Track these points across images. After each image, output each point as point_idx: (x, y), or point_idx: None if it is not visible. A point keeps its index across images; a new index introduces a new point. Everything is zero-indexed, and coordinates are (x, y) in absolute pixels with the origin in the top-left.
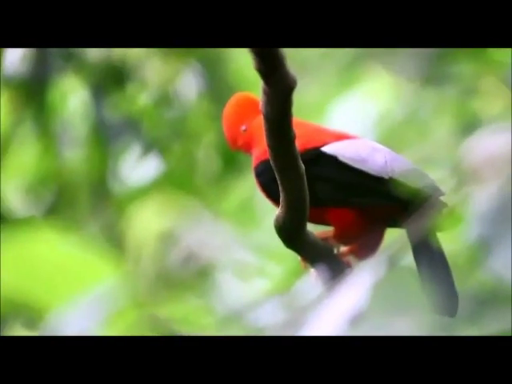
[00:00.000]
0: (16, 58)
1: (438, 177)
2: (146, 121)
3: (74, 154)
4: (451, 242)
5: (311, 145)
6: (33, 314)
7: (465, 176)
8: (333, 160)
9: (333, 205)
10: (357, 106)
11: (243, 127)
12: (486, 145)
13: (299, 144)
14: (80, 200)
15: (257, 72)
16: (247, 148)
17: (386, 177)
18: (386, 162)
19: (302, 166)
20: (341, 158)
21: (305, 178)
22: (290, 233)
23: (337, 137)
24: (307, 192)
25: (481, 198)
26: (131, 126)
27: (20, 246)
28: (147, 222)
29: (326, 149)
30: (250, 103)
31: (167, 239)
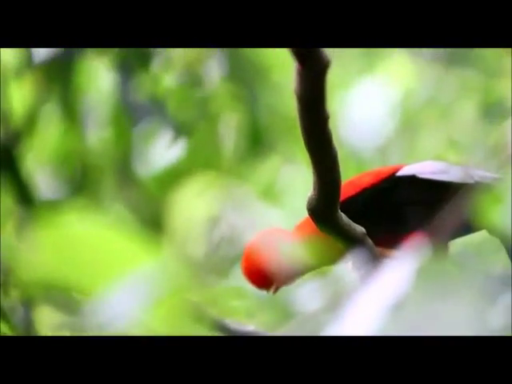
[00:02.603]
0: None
1: (470, 159)
2: (171, 102)
3: (99, 135)
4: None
5: (384, 174)
6: (69, 299)
7: (503, 158)
8: (412, 180)
9: (416, 228)
10: (379, 88)
11: (282, 248)
12: None
13: (372, 177)
14: (105, 181)
15: (291, 52)
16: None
17: (472, 181)
18: (465, 169)
19: (336, 148)
20: (420, 176)
21: (338, 161)
22: (323, 215)
23: (397, 166)
24: (340, 174)
25: None
26: (156, 107)
27: (50, 229)
28: (189, 204)
29: (401, 172)
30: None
31: (210, 222)
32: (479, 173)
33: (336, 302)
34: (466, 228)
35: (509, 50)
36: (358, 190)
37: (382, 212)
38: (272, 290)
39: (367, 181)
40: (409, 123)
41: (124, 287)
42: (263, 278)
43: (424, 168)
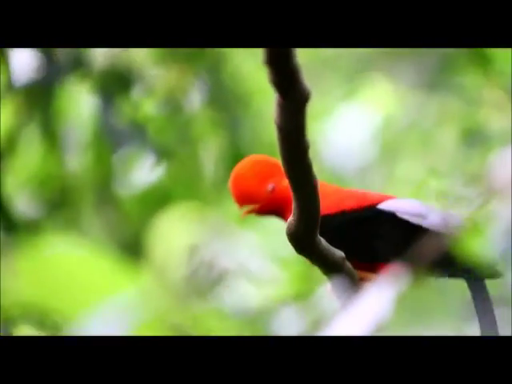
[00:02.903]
0: (24, 63)
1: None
2: (151, 127)
3: (79, 158)
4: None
5: (367, 202)
6: (48, 320)
7: (489, 193)
8: (391, 216)
9: (388, 260)
10: (360, 115)
11: (270, 186)
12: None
13: (355, 202)
14: (84, 203)
15: (272, 85)
16: (275, 206)
17: (447, 231)
18: (443, 218)
19: (315, 176)
20: (399, 215)
21: (318, 188)
22: (302, 240)
23: (383, 196)
24: (319, 201)
25: (504, 215)
26: (137, 132)
27: (29, 253)
28: (169, 229)
29: (384, 206)
30: (273, 164)
31: (189, 250)
32: (457, 220)
33: (315, 328)
34: (446, 265)
35: (488, 78)
36: (336, 210)
37: (357, 239)
38: (244, 210)
39: (349, 204)
40: (390, 149)
41: (103, 312)
42: (245, 194)
43: (405, 207)
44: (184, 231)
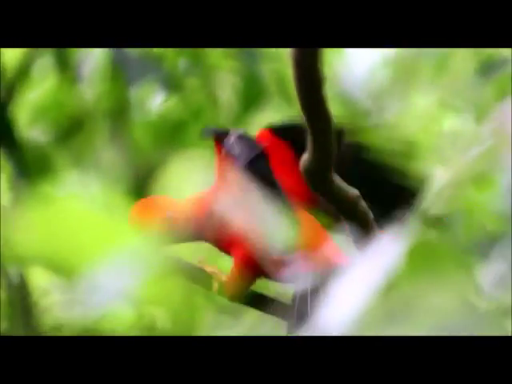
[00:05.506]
0: None
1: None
2: (165, 57)
3: (93, 89)
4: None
5: None
6: (59, 267)
7: (498, 141)
8: None
9: None
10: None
11: (168, 214)
12: None
13: None
14: (97, 136)
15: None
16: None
17: None
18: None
19: (330, 111)
20: None
21: (333, 123)
22: (317, 176)
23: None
24: (334, 137)
25: None
26: (150, 62)
27: (40, 196)
28: (180, 176)
29: None
30: (162, 198)
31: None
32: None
33: (325, 277)
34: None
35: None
36: None
37: None
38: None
39: None
40: (400, 78)
41: (115, 258)
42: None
43: None
44: (195, 176)
